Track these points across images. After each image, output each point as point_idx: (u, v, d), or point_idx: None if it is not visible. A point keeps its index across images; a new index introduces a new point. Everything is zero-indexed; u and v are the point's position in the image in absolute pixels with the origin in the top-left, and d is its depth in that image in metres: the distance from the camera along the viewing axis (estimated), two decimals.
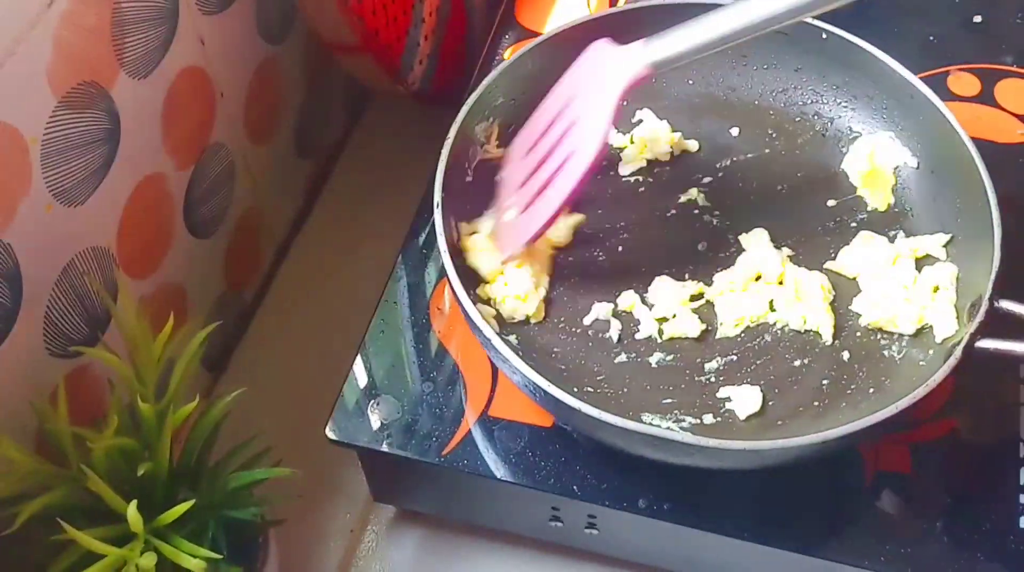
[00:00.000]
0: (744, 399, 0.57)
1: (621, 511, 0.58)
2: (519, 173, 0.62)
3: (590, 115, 0.59)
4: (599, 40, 0.61)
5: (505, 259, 0.61)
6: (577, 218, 0.65)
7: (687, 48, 0.57)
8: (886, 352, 0.59)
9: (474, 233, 0.62)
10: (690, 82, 0.71)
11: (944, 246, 0.62)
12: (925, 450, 0.59)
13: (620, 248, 0.64)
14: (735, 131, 0.70)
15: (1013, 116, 0.72)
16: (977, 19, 0.79)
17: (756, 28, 0.56)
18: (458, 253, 0.61)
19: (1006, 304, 0.55)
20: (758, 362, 0.60)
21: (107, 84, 0.59)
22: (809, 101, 0.70)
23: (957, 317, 0.58)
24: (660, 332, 0.61)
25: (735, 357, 0.60)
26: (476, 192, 0.65)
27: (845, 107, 0.69)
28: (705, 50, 0.57)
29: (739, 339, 0.61)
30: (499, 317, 0.61)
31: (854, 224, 0.65)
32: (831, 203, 0.66)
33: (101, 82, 0.59)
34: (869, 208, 0.66)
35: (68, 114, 0.56)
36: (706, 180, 0.67)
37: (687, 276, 0.63)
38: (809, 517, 0.58)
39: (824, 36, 0.67)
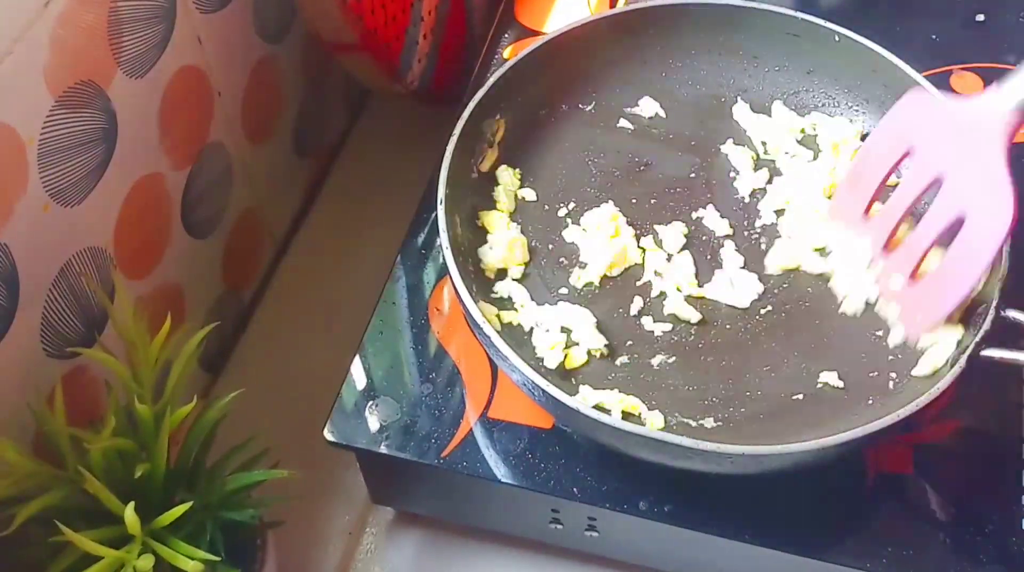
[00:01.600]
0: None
1: (621, 513, 0.58)
2: (876, 232, 0.61)
3: (980, 177, 0.55)
4: (915, 90, 0.60)
5: (918, 336, 0.58)
6: None
7: None
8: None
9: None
10: (699, 85, 0.71)
11: None
12: (927, 452, 0.59)
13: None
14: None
15: None
16: (980, 18, 0.79)
17: None
18: (460, 251, 0.61)
19: (1012, 313, 0.55)
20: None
21: (104, 83, 0.59)
22: (820, 104, 0.70)
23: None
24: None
25: (737, 359, 0.60)
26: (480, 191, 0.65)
27: (856, 110, 0.68)
28: None
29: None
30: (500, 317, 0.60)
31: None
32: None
33: (98, 81, 0.58)
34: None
35: (65, 113, 0.56)
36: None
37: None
38: (810, 519, 0.57)
39: (837, 39, 0.67)
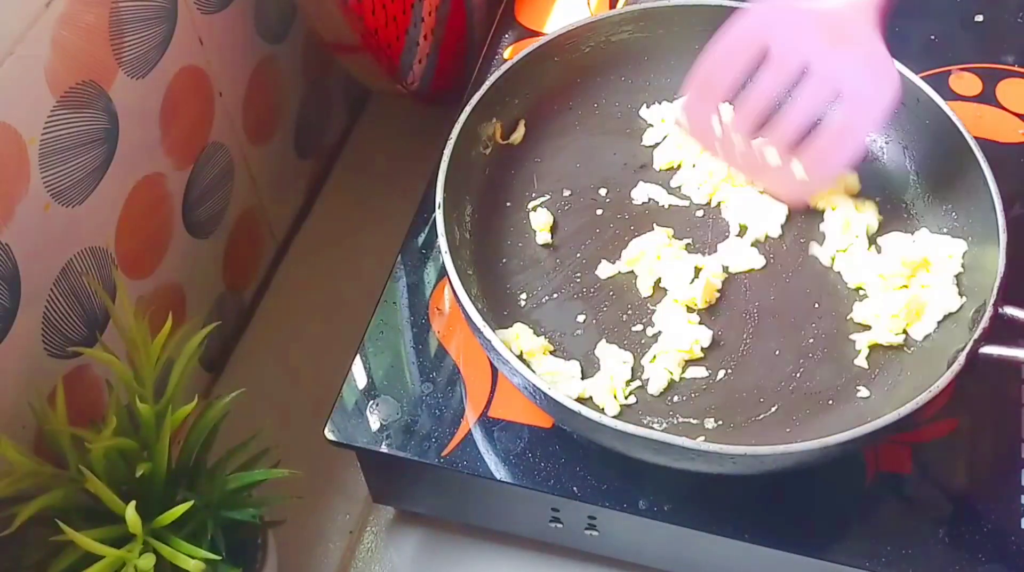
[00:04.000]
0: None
1: (621, 512, 0.58)
2: (740, 123, 0.63)
3: (852, 54, 0.58)
4: (760, 3, 0.61)
5: (798, 205, 0.63)
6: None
7: None
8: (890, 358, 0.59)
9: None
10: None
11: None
12: (926, 450, 0.59)
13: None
14: None
15: (1015, 116, 0.72)
16: (979, 19, 0.79)
17: None
18: (459, 253, 0.61)
19: (1011, 310, 0.55)
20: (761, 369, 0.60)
21: (105, 84, 0.59)
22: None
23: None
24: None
25: (737, 360, 0.60)
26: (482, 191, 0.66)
27: None
28: None
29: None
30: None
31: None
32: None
33: (99, 82, 0.59)
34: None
35: (66, 114, 0.56)
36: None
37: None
38: (810, 518, 0.57)
39: None
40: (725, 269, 0.63)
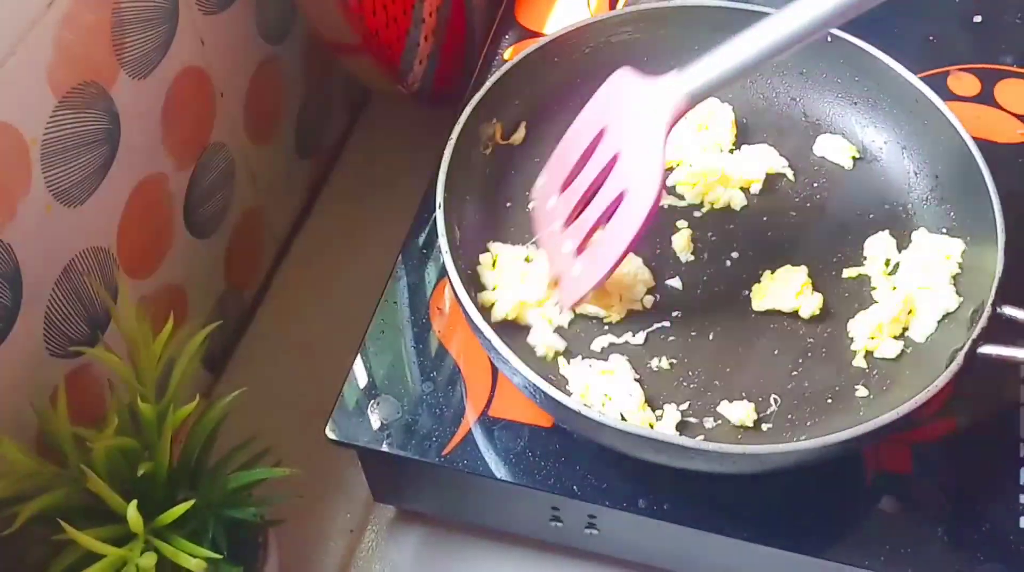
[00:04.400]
0: (737, 412, 0.57)
1: (621, 511, 0.58)
2: (561, 208, 0.61)
3: (640, 157, 0.57)
4: (622, 69, 0.60)
5: (567, 308, 0.61)
6: None
7: (720, 76, 0.56)
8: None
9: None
10: None
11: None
12: (926, 450, 0.59)
13: None
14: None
15: (1013, 116, 0.72)
16: (977, 19, 0.79)
17: (784, 46, 0.55)
18: (459, 254, 0.61)
19: (1009, 310, 0.55)
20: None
21: (107, 84, 0.59)
22: (812, 103, 0.70)
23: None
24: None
25: (737, 359, 0.60)
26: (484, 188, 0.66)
27: (849, 110, 0.69)
28: (739, 74, 0.56)
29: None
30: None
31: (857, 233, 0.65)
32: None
33: (101, 82, 0.59)
34: (872, 216, 0.66)
35: (68, 114, 0.56)
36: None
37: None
38: (809, 517, 0.58)
39: (829, 39, 0.67)
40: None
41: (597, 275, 0.59)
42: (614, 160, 0.59)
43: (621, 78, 0.60)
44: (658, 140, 0.57)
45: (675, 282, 0.63)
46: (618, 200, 0.58)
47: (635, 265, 0.63)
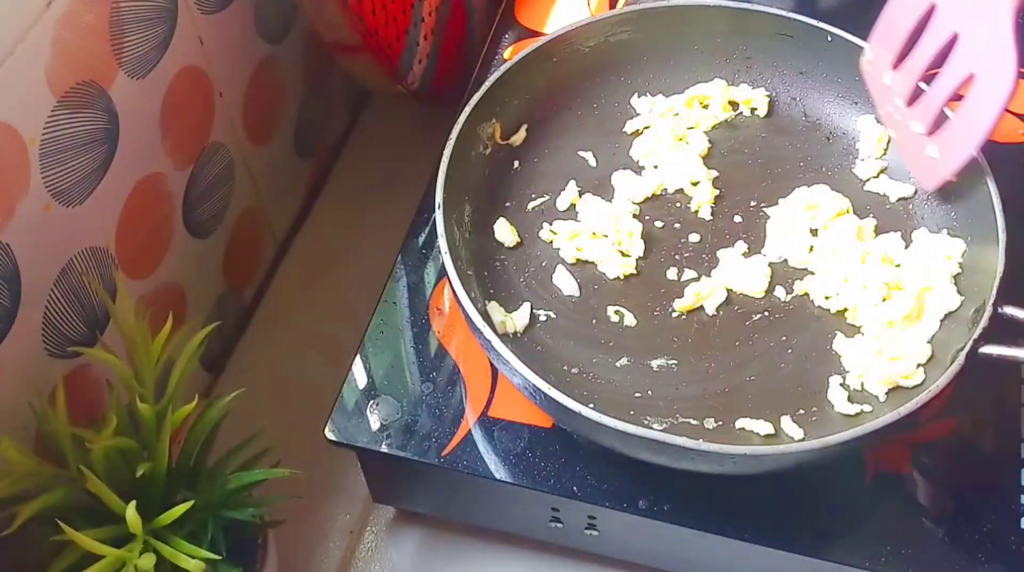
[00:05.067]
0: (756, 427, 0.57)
1: (621, 512, 0.58)
2: (899, 86, 0.63)
3: (988, 42, 0.57)
4: None
5: (929, 189, 0.63)
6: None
7: None
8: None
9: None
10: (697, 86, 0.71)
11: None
12: (926, 451, 0.59)
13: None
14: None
15: (1015, 116, 0.72)
16: None
17: None
18: (459, 255, 0.61)
19: (1010, 310, 0.55)
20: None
21: (106, 84, 0.59)
22: (813, 104, 0.70)
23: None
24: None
25: (737, 360, 0.60)
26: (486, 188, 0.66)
27: (849, 110, 0.69)
28: None
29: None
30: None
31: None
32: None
33: (100, 82, 0.59)
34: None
35: (67, 114, 0.56)
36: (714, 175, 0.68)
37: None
38: (810, 518, 0.58)
39: (829, 39, 0.67)
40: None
41: (957, 160, 0.60)
42: (953, 39, 0.59)
43: None
44: (1005, 22, 0.56)
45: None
46: (966, 81, 0.58)
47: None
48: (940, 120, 0.61)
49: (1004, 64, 0.56)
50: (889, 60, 0.63)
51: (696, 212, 0.66)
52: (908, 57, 0.62)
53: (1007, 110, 0.72)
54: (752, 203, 0.66)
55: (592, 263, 0.64)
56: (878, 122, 0.67)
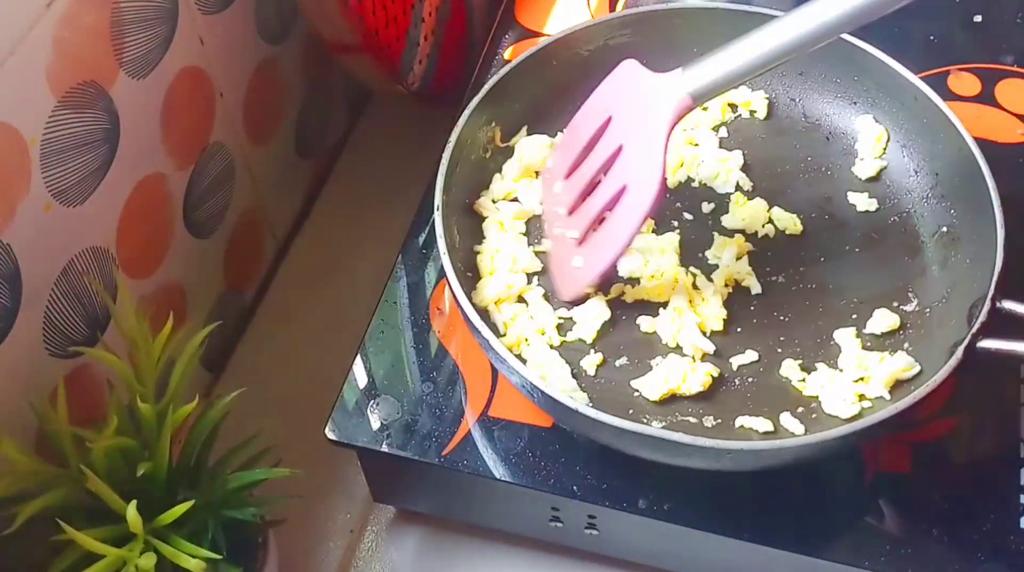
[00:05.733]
0: (756, 424, 0.57)
1: (621, 511, 0.58)
2: (565, 194, 0.62)
3: (641, 153, 0.58)
4: (629, 60, 0.61)
5: (567, 298, 0.62)
6: None
7: (726, 77, 0.56)
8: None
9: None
10: None
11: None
12: (925, 450, 0.59)
13: None
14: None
15: (1014, 116, 0.72)
16: (977, 19, 0.79)
17: (792, 50, 0.55)
18: (458, 256, 0.61)
19: (1008, 304, 0.55)
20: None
21: (106, 84, 0.59)
22: (813, 105, 0.70)
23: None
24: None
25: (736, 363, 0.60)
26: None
27: (848, 110, 0.69)
28: (744, 76, 0.56)
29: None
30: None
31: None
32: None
33: (100, 82, 0.59)
34: (870, 210, 0.66)
35: (67, 114, 0.56)
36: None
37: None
38: (809, 517, 0.58)
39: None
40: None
41: (595, 270, 0.60)
42: (618, 151, 0.59)
43: (629, 69, 0.61)
44: (660, 138, 0.57)
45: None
46: (620, 193, 0.59)
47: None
48: (587, 231, 0.61)
49: (651, 177, 0.57)
50: (564, 168, 0.63)
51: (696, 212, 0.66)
52: (578, 167, 0.62)
53: (1007, 110, 0.72)
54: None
55: None
56: (876, 122, 0.67)
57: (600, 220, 0.61)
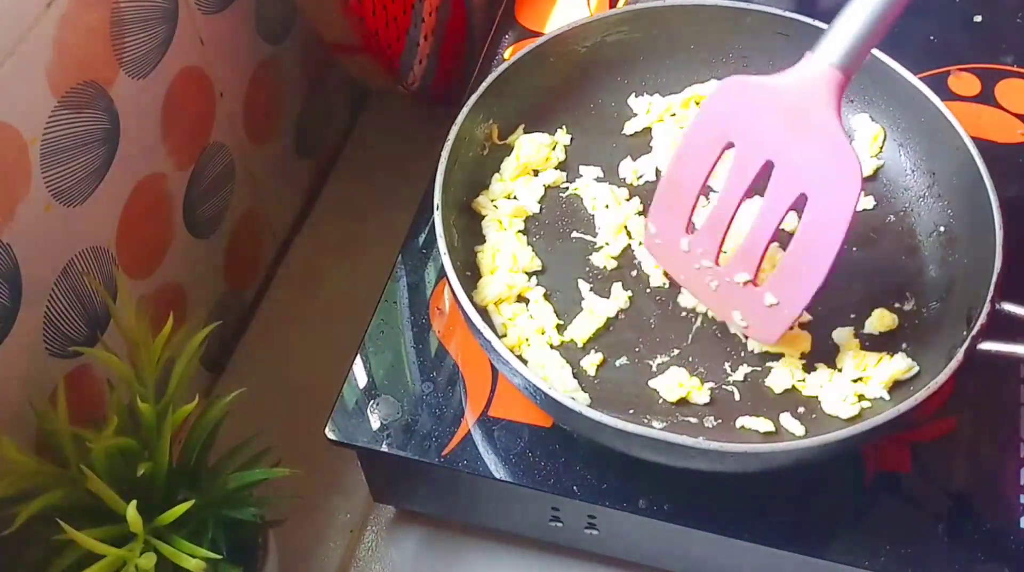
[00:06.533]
0: (756, 425, 0.57)
1: (621, 511, 0.58)
2: (701, 246, 0.57)
3: (815, 151, 0.53)
4: (730, 78, 0.56)
5: (774, 341, 0.57)
6: None
7: (860, 33, 0.52)
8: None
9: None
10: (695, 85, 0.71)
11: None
12: (926, 450, 0.59)
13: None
14: None
15: (1013, 116, 0.72)
16: (977, 19, 0.79)
17: None
18: (458, 255, 0.61)
19: (1008, 306, 0.55)
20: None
21: (106, 84, 0.59)
22: None
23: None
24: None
25: (737, 358, 0.60)
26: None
27: (845, 108, 0.69)
28: (876, 26, 0.53)
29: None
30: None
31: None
32: None
33: (100, 82, 0.59)
34: (867, 208, 0.66)
35: (67, 114, 0.56)
36: None
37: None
38: (809, 517, 0.58)
39: None
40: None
41: (803, 297, 0.54)
42: (765, 168, 0.54)
43: (734, 85, 0.56)
44: (833, 126, 0.52)
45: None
46: (792, 207, 0.54)
47: None
48: (760, 265, 0.56)
49: (844, 169, 0.52)
50: (681, 226, 0.58)
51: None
52: (705, 212, 0.58)
53: (1007, 110, 0.72)
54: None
55: None
56: (873, 120, 0.67)
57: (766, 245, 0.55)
